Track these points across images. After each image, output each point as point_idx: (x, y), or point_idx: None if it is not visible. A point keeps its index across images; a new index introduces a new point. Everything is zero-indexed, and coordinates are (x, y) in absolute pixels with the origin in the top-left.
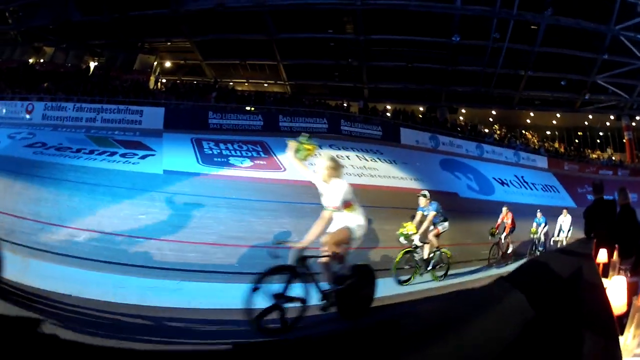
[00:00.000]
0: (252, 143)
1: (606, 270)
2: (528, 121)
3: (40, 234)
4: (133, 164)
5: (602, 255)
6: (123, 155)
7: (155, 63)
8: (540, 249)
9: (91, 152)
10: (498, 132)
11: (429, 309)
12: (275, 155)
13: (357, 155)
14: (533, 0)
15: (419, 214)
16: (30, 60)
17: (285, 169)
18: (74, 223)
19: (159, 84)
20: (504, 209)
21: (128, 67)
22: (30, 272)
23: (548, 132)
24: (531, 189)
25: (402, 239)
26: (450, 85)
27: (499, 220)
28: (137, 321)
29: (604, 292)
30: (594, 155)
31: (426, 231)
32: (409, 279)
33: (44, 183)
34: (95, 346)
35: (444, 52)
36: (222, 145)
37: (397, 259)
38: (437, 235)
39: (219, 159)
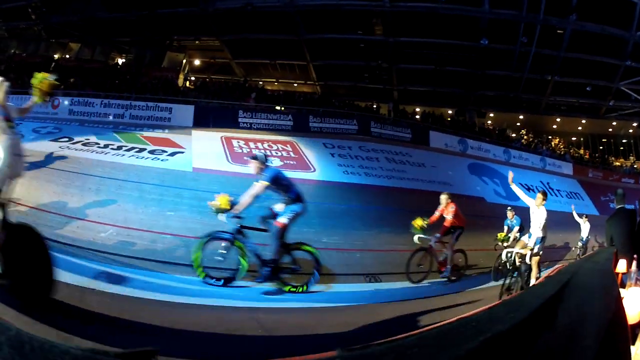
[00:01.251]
0: (282, 143)
1: (624, 280)
2: (554, 127)
3: (65, 228)
4: (162, 160)
5: (622, 266)
6: (152, 152)
7: (184, 61)
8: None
9: (119, 148)
10: (525, 137)
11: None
12: (305, 156)
13: (386, 158)
14: (559, 5)
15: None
16: (56, 56)
17: (315, 170)
18: (100, 218)
19: (187, 82)
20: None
21: (156, 65)
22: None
23: (574, 138)
24: (556, 195)
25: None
26: (478, 89)
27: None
28: (163, 317)
29: (621, 303)
30: (617, 163)
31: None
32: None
33: (70, 177)
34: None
35: (472, 56)
36: (252, 145)
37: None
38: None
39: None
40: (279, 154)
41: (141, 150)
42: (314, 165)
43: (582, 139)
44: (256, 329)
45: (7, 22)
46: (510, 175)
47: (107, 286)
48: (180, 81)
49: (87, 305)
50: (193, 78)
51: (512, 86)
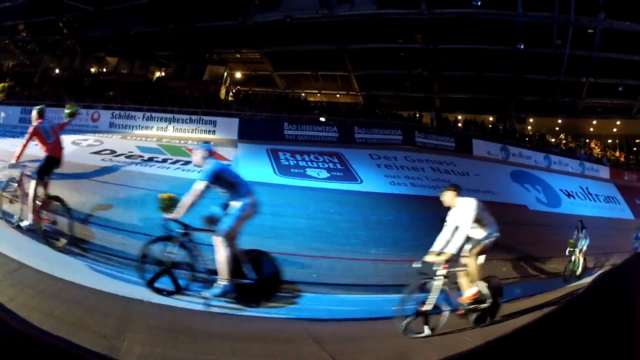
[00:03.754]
0: (329, 154)
1: None
2: (591, 129)
3: (111, 240)
4: None
5: None
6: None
7: (225, 74)
8: None
9: (164, 160)
10: (564, 141)
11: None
12: (352, 167)
13: (431, 167)
14: (587, 4)
15: None
16: (92, 70)
17: (362, 181)
18: (148, 230)
19: (230, 94)
20: None
21: (197, 78)
22: (101, 278)
23: (609, 141)
24: (595, 200)
25: None
26: (518, 95)
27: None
28: (214, 328)
29: None
30: None
31: None
32: None
33: (114, 190)
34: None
35: (510, 61)
36: (298, 157)
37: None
38: None
39: (296, 170)
40: (326, 165)
41: (187, 162)
42: (360, 177)
43: (617, 140)
44: (306, 339)
45: (38, 36)
46: None
47: (158, 298)
48: (222, 94)
49: (133, 315)
50: (234, 90)
51: (549, 90)
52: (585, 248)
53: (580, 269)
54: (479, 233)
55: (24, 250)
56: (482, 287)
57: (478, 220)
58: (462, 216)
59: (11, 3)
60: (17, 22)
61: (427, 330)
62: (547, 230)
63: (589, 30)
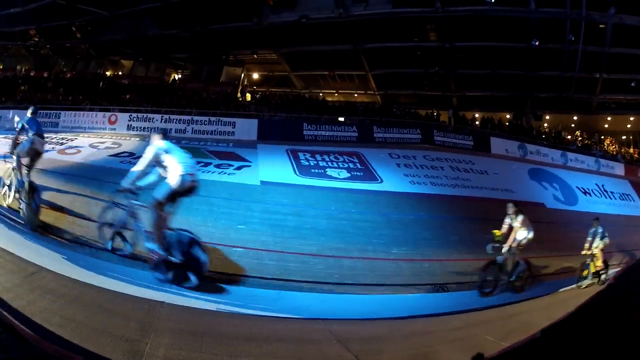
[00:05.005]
0: (348, 154)
1: None
2: (606, 126)
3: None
4: (229, 174)
5: None
6: (218, 166)
7: (242, 75)
8: None
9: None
10: (580, 138)
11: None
12: (372, 167)
13: (450, 166)
14: (598, 0)
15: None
16: (108, 73)
17: (382, 181)
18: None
19: (247, 95)
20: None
21: (214, 79)
22: (121, 279)
23: (623, 137)
24: (610, 197)
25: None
26: (533, 92)
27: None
28: (238, 329)
29: None
30: None
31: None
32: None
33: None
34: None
35: (524, 57)
36: (318, 157)
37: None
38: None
39: (316, 170)
40: (346, 165)
41: (207, 164)
42: (380, 177)
43: (631, 137)
44: (330, 339)
45: (51, 40)
46: None
47: (177, 299)
48: (240, 95)
49: (156, 317)
50: (253, 89)
51: (564, 87)
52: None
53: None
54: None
55: (41, 253)
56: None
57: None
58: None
59: (21, 8)
60: (28, 27)
61: None
62: (565, 229)
63: (601, 26)
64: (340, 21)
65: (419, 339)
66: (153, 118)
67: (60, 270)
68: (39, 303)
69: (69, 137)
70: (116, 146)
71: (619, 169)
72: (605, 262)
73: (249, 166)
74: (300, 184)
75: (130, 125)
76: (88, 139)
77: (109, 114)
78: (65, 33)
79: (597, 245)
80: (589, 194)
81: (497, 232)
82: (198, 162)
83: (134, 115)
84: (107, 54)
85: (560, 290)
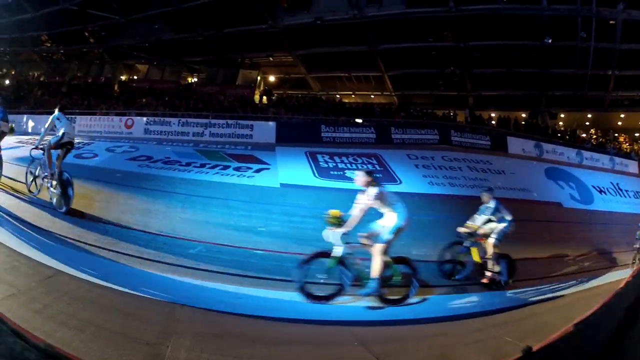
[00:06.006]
0: (367, 156)
1: None
2: (619, 123)
3: (151, 245)
4: (248, 177)
5: None
6: (237, 169)
7: (259, 78)
8: None
9: (202, 165)
10: (594, 136)
11: None
12: (391, 168)
13: (468, 166)
14: None
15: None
16: (123, 77)
17: (401, 182)
18: (187, 235)
19: (264, 98)
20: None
21: (230, 83)
22: (140, 282)
23: (637, 134)
24: (625, 196)
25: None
26: (548, 90)
27: None
28: (260, 332)
29: None
30: None
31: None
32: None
33: (153, 195)
34: None
35: (538, 55)
36: (337, 159)
37: None
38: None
39: (335, 172)
40: (365, 167)
41: (225, 167)
42: (399, 178)
43: None
44: (352, 341)
45: (64, 46)
46: None
47: (197, 301)
48: (257, 98)
49: (176, 320)
50: (270, 91)
51: (578, 84)
52: None
53: None
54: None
55: (58, 256)
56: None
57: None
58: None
59: (31, 14)
60: (40, 33)
61: None
62: (581, 228)
63: (611, 22)
64: (354, 22)
65: (439, 340)
66: (170, 122)
67: (77, 274)
68: (56, 306)
69: (85, 142)
70: (133, 150)
71: (633, 166)
72: None
73: (268, 169)
74: (320, 186)
75: (147, 129)
76: (105, 143)
77: (125, 118)
78: (78, 38)
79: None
80: (604, 192)
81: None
82: (216, 165)
83: (151, 119)
84: (121, 58)
85: (578, 290)
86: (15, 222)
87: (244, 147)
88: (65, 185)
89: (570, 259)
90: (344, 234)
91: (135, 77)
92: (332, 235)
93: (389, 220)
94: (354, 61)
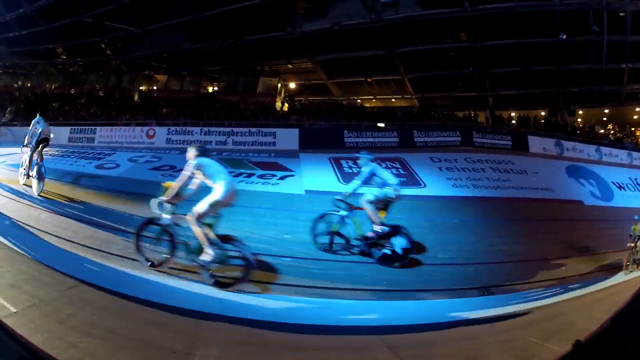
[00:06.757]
0: (391, 160)
1: None
2: (635, 117)
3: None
4: (273, 184)
5: None
6: (261, 177)
7: (279, 85)
8: None
9: None
10: (612, 132)
11: None
12: (414, 171)
13: (491, 168)
14: None
15: None
16: (142, 88)
17: (425, 185)
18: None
19: (285, 105)
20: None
21: (251, 90)
22: (165, 291)
23: None
24: None
25: None
26: (565, 86)
27: None
28: (286, 339)
29: None
30: None
31: None
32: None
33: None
34: None
35: (554, 52)
36: None
37: None
38: None
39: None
40: (389, 171)
41: (250, 175)
42: (423, 181)
43: None
44: (381, 347)
45: (80, 58)
46: None
47: (224, 310)
48: (278, 105)
49: (203, 329)
50: (291, 99)
51: (594, 79)
52: None
53: None
54: None
55: (81, 266)
56: None
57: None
58: None
59: (44, 27)
60: (55, 45)
61: None
62: (602, 225)
63: (621, 14)
64: (372, 26)
65: (467, 343)
66: (192, 131)
67: (101, 284)
68: (80, 316)
69: (107, 152)
70: (156, 160)
71: None
72: None
73: (293, 175)
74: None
75: (169, 138)
76: (127, 153)
77: (147, 128)
78: (95, 50)
79: None
80: (624, 188)
81: (167, 184)
82: (241, 174)
83: (173, 128)
84: (139, 69)
85: (599, 288)
86: (35, 233)
87: (267, 154)
88: (40, 174)
89: (593, 257)
90: (159, 202)
91: (154, 88)
92: (152, 203)
93: (213, 195)
94: (373, 65)
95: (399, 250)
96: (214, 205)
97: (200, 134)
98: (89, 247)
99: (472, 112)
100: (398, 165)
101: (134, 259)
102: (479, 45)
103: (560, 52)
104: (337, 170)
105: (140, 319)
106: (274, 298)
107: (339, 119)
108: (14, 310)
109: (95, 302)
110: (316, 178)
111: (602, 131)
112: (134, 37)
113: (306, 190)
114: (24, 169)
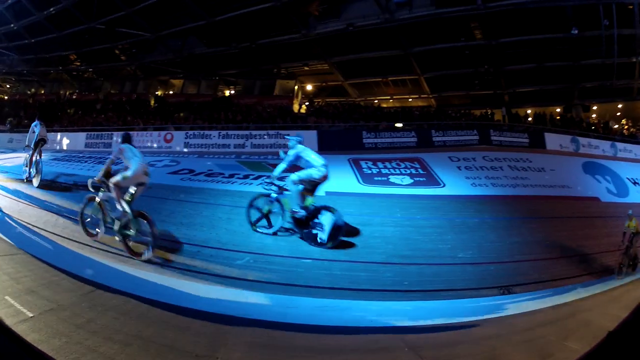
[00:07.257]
0: (409, 160)
1: None
2: None
3: (197, 257)
4: None
5: None
6: (281, 179)
7: (296, 87)
8: None
9: (245, 177)
10: (625, 127)
11: None
12: (433, 171)
13: (509, 166)
14: None
15: None
16: (158, 93)
17: (444, 185)
18: (234, 246)
19: (303, 107)
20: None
21: (268, 93)
22: (187, 294)
23: None
24: None
25: None
26: (579, 82)
27: None
28: (309, 341)
29: None
30: None
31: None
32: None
33: (197, 208)
34: None
35: (567, 48)
36: (380, 164)
37: None
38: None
39: (379, 178)
40: (408, 171)
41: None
42: (443, 181)
43: None
44: (402, 348)
45: (95, 64)
46: None
47: (246, 312)
48: (296, 107)
49: (225, 331)
50: (307, 103)
51: (606, 74)
52: None
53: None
54: None
55: (100, 270)
56: None
57: None
58: None
59: (56, 34)
60: (68, 52)
61: None
62: (620, 222)
63: (629, 6)
64: (386, 26)
65: (488, 342)
66: (210, 134)
67: (121, 288)
68: (100, 320)
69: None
70: (174, 164)
71: None
72: None
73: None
74: (365, 192)
75: (187, 142)
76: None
77: (165, 132)
78: (109, 56)
79: None
80: (638, 184)
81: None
82: (260, 176)
83: (190, 132)
84: (155, 74)
85: (617, 285)
86: (53, 237)
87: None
88: (39, 170)
89: (611, 254)
90: (92, 181)
91: (170, 92)
92: (88, 182)
93: (127, 172)
94: (389, 65)
95: (327, 229)
96: (125, 179)
97: (218, 137)
98: (107, 251)
99: (488, 111)
100: (417, 165)
101: (154, 263)
102: (494, 43)
103: (572, 48)
104: (356, 171)
105: (162, 323)
106: (296, 299)
107: (357, 120)
108: (31, 315)
109: (116, 306)
110: (336, 179)
111: (616, 126)
112: (148, 43)
113: (326, 192)
114: (26, 167)
